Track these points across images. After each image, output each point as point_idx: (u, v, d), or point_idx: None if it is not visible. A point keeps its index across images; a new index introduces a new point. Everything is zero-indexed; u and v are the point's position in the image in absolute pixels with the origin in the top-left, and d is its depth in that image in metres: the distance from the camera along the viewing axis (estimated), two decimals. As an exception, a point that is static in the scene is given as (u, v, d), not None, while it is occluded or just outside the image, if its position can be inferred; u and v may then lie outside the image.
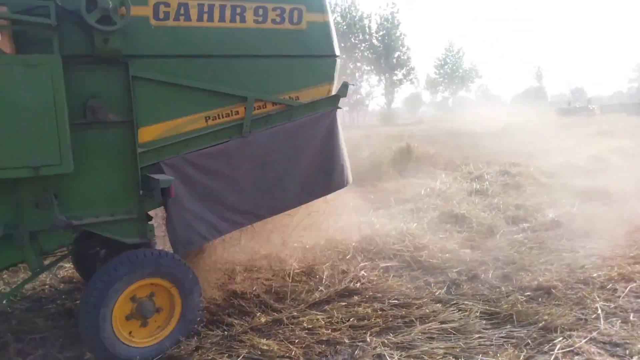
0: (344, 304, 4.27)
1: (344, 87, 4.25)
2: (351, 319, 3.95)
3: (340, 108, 4.32)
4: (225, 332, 3.82)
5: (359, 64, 57.64)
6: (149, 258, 3.42)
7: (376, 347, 3.49)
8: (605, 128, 23.04)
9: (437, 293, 4.47)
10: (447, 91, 68.13)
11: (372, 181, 10.87)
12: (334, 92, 4.25)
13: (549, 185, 9.26)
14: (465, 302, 4.18)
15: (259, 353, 3.48)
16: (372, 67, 57.86)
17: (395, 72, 58.06)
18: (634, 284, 4.37)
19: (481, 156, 14.08)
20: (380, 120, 58.90)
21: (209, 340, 3.69)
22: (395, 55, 56.95)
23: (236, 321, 4.00)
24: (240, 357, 3.43)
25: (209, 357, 3.43)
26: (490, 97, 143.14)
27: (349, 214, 7.16)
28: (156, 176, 3.40)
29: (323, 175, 4.26)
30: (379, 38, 57.13)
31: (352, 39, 56.34)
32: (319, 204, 5.03)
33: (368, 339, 3.61)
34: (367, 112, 68.18)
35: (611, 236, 5.97)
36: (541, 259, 5.24)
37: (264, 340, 3.61)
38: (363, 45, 57.46)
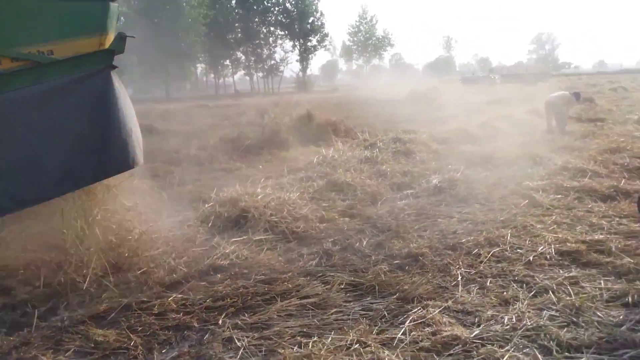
0: (203, 283, 3.96)
1: (120, 39, 3.39)
2: (207, 300, 3.65)
3: (115, 67, 3.45)
4: (60, 324, 3.38)
5: (272, 28, 56.38)
6: None
7: (227, 329, 3.23)
8: (501, 97, 24.34)
9: (307, 265, 4.30)
10: (361, 59, 68.85)
11: (271, 149, 10.56)
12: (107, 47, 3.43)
13: (438, 151, 9.48)
14: (332, 274, 4.03)
15: (92, 346, 3.09)
16: (286, 32, 56.85)
17: (310, 37, 57.52)
18: (497, 249, 4.46)
19: (382, 123, 14.26)
20: (296, 88, 58.38)
21: (38, 333, 3.24)
22: (310, 20, 56.29)
23: (79, 310, 3.56)
24: (69, 352, 3.03)
25: (30, 355, 2.99)
26: (403, 66, 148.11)
27: (232, 185, 6.82)
28: None
29: (94, 155, 3.37)
30: (293, 2, 56.01)
31: (265, 2, 54.72)
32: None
33: (220, 321, 3.34)
34: (284, 78, 67.22)
35: (487, 200, 6.15)
36: (416, 226, 5.25)
37: (100, 331, 3.22)
38: (277, 9, 56.09)
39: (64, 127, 3.24)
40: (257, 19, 53.68)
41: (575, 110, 16.03)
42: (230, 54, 52.61)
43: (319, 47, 58.20)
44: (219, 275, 4.12)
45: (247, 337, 3.13)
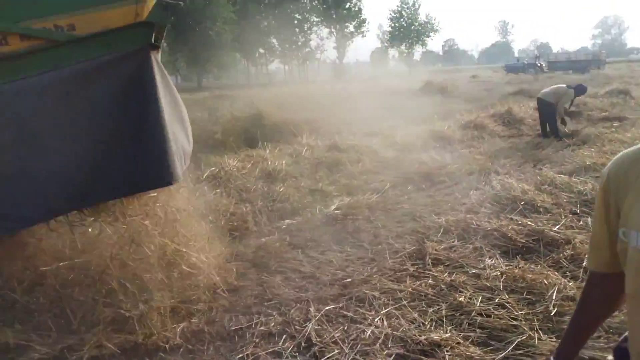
0: None
1: (161, 8, 2.48)
2: None
3: (156, 46, 2.60)
4: None
5: (307, 15, 54.53)
6: None
7: None
8: (532, 87, 21.65)
9: None
10: (403, 45, 65.59)
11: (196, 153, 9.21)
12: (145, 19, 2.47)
13: (386, 161, 7.81)
14: None
15: None
16: (322, 18, 54.89)
17: (347, 24, 55.31)
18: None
19: (359, 122, 12.58)
20: (332, 76, 56.67)
21: None
22: (346, 5, 54.01)
23: None
24: None
25: None
26: (457, 53, 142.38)
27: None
28: None
29: (125, 162, 2.58)
30: (328, -13, 53.96)
31: (299, -12, 53.12)
32: None
33: None
34: (326, 65, 65.37)
35: (371, 244, 4.58)
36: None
37: None
38: (311, -6, 54.25)
39: (86, 126, 2.48)
40: (291, 5, 52.01)
41: (601, 104, 13.67)
42: (264, 41, 51.23)
43: (356, 33, 55.97)
44: None
45: None
